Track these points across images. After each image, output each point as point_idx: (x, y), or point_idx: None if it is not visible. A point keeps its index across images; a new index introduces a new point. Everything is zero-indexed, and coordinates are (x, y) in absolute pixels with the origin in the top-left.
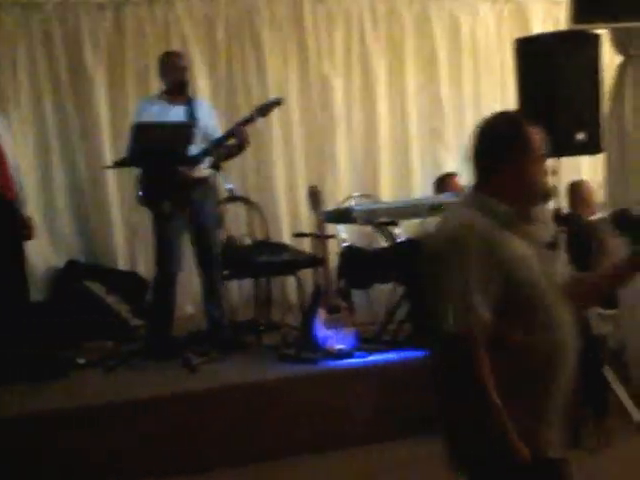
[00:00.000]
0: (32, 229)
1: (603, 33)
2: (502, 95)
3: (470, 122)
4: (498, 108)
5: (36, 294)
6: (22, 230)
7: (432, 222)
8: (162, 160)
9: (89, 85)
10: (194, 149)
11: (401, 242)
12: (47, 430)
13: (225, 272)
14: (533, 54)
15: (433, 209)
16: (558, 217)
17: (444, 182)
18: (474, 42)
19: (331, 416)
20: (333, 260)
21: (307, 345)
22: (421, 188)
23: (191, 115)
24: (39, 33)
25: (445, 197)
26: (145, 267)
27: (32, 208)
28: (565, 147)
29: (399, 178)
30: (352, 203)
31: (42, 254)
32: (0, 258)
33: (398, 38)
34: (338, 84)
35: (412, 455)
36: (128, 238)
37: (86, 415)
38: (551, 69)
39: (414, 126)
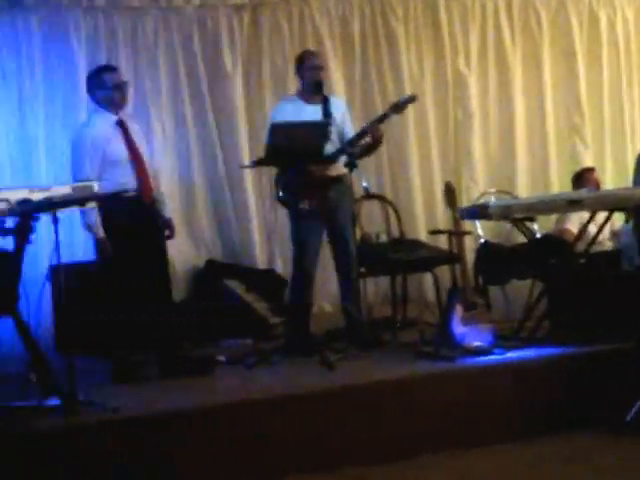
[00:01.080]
0: (173, 229)
1: None
2: None
3: (609, 117)
4: (638, 102)
5: (177, 293)
6: (164, 231)
7: None
8: (299, 159)
9: (227, 86)
10: (330, 148)
11: (539, 238)
12: (191, 426)
13: (361, 270)
14: None
15: (571, 205)
16: None
17: (582, 177)
18: (613, 36)
19: (469, 413)
20: (470, 257)
21: (445, 342)
22: (559, 183)
23: (326, 114)
24: (179, 36)
25: (583, 192)
26: (283, 266)
27: (173, 209)
28: None
29: (536, 173)
30: (488, 199)
31: (182, 254)
32: (144, 259)
33: (535, 32)
34: (473, 80)
35: (551, 454)
36: (266, 237)
37: (227, 411)
38: None
39: (551, 121)
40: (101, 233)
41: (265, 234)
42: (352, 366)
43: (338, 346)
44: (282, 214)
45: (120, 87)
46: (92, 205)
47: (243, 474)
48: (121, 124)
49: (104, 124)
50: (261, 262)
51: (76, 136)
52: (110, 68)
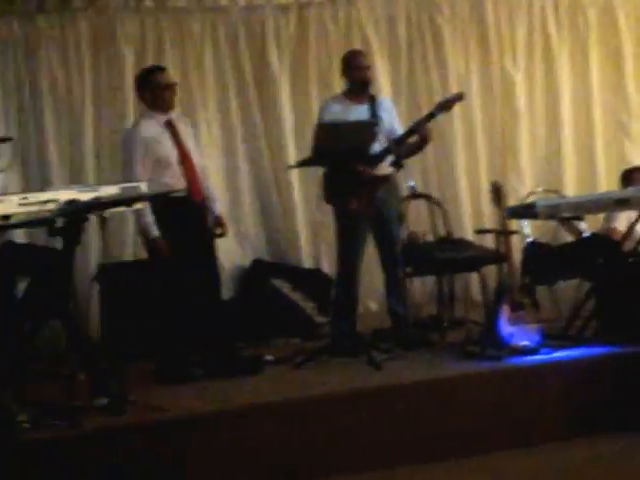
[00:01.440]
0: (225, 227)
1: None
2: None
3: None
4: None
5: (224, 292)
6: (215, 228)
7: None
8: (345, 159)
9: (273, 86)
10: (376, 147)
11: (586, 237)
12: (238, 425)
13: (408, 269)
14: None
15: (619, 203)
16: None
17: (630, 176)
18: None
19: (516, 413)
20: (517, 256)
21: (492, 342)
22: (607, 182)
23: (373, 114)
24: (225, 36)
25: (631, 191)
26: (329, 265)
27: (219, 208)
28: None
29: (584, 172)
30: (535, 198)
31: (229, 253)
32: (193, 258)
33: (582, 31)
34: (520, 79)
35: (598, 454)
36: (312, 236)
37: (274, 410)
38: None
39: (599, 120)
40: (155, 232)
41: (311, 233)
42: (398, 366)
43: (384, 346)
44: (328, 213)
45: (169, 88)
46: (140, 205)
47: (288, 473)
48: (170, 125)
49: (153, 125)
50: (307, 261)
51: (126, 138)
52: (159, 69)
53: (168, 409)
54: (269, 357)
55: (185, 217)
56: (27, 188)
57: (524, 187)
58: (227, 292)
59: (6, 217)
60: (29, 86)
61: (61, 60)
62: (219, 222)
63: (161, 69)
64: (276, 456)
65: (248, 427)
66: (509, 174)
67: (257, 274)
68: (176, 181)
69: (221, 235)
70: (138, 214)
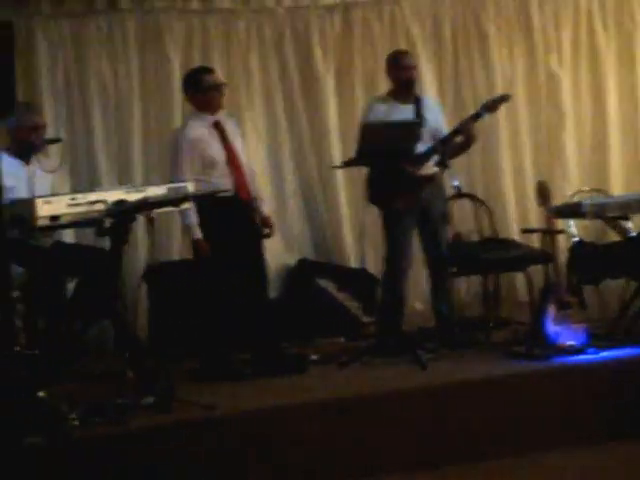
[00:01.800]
0: (273, 227)
1: None
2: None
3: None
4: None
5: (270, 292)
6: (263, 228)
7: None
8: (390, 159)
9: (319, 87)
10: (422, 147)
11: (633, 236)
12: (284, 424)
13: (453, 269)
14: None
15: None
16: None
17: None
18: None
19: (562, 413)
20: (563, 256)
21: (538, 342)
22: None
23: (418, 114)
24: (271, 38)
25: None
26: (374, 264)
27: (265, 208)
28: None
29: (630, 172)
30: (582, 197)
31: (274, 253)
32: (240, 258)
33: (629, 31)
34: (566, 79)
35: None
36: (357, 236)
37: (321, 409)
38: None
39: None
40: (198, 234)
41: (357, 233)
42: (444, 366)
43: (429, 345)
44: (374, 212)
45: (217, 89)
46: (187, 206)
47: (335, 472)
48: (218, 125)
49: (201, 126)
50: (353, 261)
51: (174, 138)
52: (207, 70)
53: (214, 407)
54: (314, 356)
55: (233, 216)
56: (76, 189)
57: (570, 186)
58: (272, 291)
59: (55, 217)
60: (78, 87)
61: (109, 61)
62: (266, 223)
63: (209, 70)
64: (323, 454)
65: (294, 425)
66: (555, 173)
67: (302, 273)
68: (224, 181)
69: (268, 236)
70: (183, 215)
